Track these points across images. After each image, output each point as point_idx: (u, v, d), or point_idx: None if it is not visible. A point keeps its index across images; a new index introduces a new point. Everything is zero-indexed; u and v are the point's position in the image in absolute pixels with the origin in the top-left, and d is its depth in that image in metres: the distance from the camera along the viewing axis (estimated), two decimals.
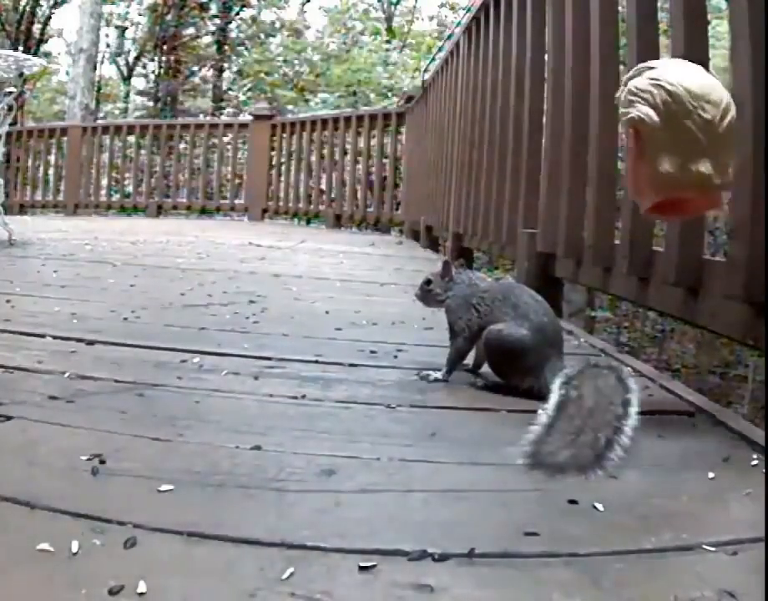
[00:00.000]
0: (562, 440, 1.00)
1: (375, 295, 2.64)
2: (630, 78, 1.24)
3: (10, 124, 4.06)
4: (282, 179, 7.57)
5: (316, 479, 0.95)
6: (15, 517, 0.80)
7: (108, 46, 15.21)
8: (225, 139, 7.86)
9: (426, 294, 1.60)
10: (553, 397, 1.06)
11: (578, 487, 0.94)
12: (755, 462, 1.07)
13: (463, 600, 0.70)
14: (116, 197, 8.14)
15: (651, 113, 1.17)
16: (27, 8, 14.04)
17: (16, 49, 11.84)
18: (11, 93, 3.72)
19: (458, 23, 4.72)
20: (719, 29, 5.85)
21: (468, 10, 4.24)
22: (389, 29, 16.48)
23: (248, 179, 7.67)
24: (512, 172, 3.04)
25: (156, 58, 14.77)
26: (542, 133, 2.75)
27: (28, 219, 6.59)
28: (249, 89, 13.75)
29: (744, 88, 1.38)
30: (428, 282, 1.60)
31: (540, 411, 1.05)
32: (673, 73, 1.20)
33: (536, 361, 1.39)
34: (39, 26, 14.61)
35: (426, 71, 5.82)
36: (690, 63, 1.26)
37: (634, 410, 1.02)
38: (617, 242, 2.02)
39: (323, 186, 7.22)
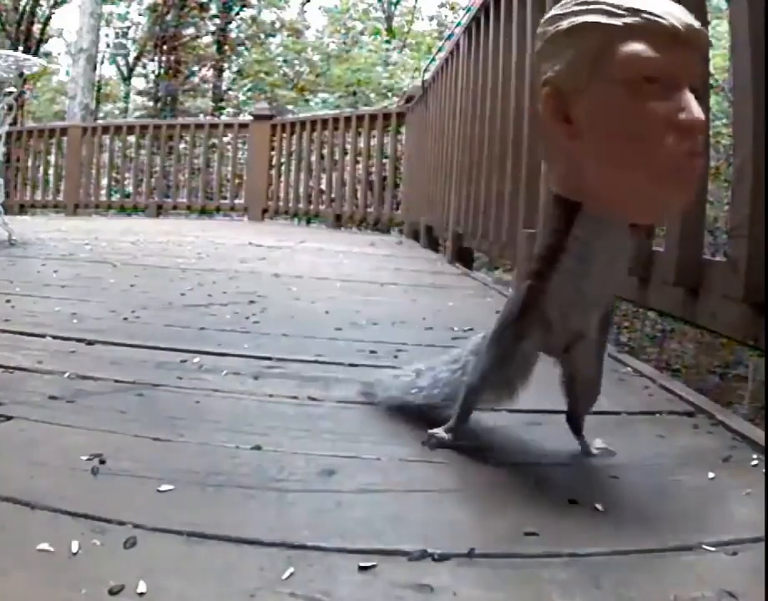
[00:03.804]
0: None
1: (375, 295, 2.64)
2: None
3: (10, 124, 4.05)
4: (282, 179, 7.56)
5: (316, 479, 0.95)
6: (15, 517, 0.80)
7: (108, 46, 15.22)
8: (225, 139, 7.85)
9: None
10: None
11: (579, 487, 0.94)
12: (755, 462, 1.07)
13: (463, 600, 0.70)
14: (116, 197, 8.12)
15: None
16: (27, 8, 14.05)
17: (16, 49, 11.84)
18: (11, 93, 3.71)
19: (458, 23, 4.72)
20: (719, 29, 5.85)
21: (468, 10, 4.23)
22: (389, 29, 16.48)
23: (248, 179, 7.65)
24: (512, 172, 3.03)
25: (156, 58, 14.77)
26: None
27: (28, 219, 6.58)
28: (249, 89, 13.76)
29: (744, 88, 1.38)
30: None
31: None
32: None
33: None
34: (39, 26, 14.61)
35: (426, 71, 5.81)
36: None
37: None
38: None
39: (323, 186, 7.22)
